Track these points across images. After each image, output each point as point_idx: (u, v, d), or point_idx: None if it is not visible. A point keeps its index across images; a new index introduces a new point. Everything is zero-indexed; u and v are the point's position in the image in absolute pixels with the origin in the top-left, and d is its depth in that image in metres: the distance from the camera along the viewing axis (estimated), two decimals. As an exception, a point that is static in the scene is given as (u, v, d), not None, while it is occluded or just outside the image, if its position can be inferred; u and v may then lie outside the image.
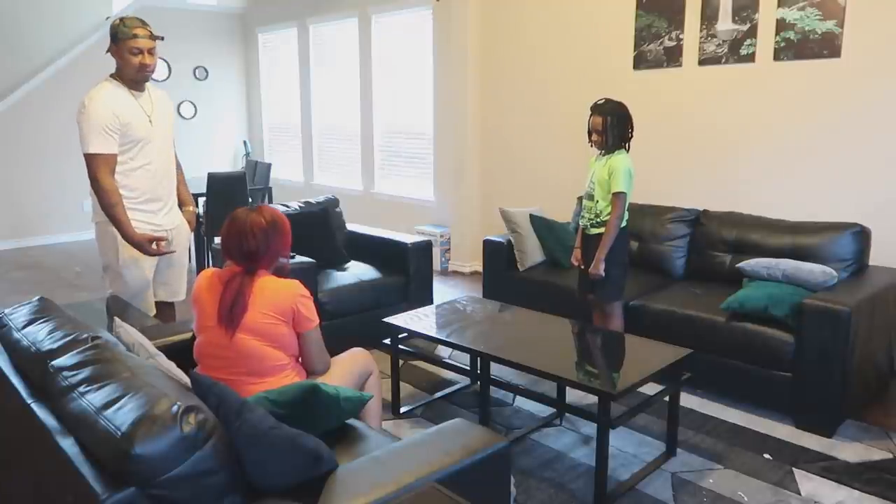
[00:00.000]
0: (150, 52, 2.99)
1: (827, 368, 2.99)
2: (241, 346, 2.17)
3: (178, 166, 3.35)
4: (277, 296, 2.20)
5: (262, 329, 2.18)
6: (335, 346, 2.55)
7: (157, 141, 3.09)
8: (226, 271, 2.26)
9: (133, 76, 2.99)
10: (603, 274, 3.34)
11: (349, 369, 2.46)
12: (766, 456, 2.87)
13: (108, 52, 3.03)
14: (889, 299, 3.34)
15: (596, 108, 3.32)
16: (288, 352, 2.25)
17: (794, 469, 2.76)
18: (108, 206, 2.93)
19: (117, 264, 3.10)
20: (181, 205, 3.35)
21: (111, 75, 3.05)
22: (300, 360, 2.36)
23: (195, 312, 2.29)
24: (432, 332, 3.12)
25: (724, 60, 4.27)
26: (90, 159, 2.91)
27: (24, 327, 2.03)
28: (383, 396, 3.34)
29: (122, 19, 2.98)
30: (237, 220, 2.26)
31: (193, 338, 2.34)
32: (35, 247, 7.45)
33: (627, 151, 3.34)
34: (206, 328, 2.23)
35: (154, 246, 3.04)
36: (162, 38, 3.08)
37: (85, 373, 1.64)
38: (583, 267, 3.51)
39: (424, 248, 4.39)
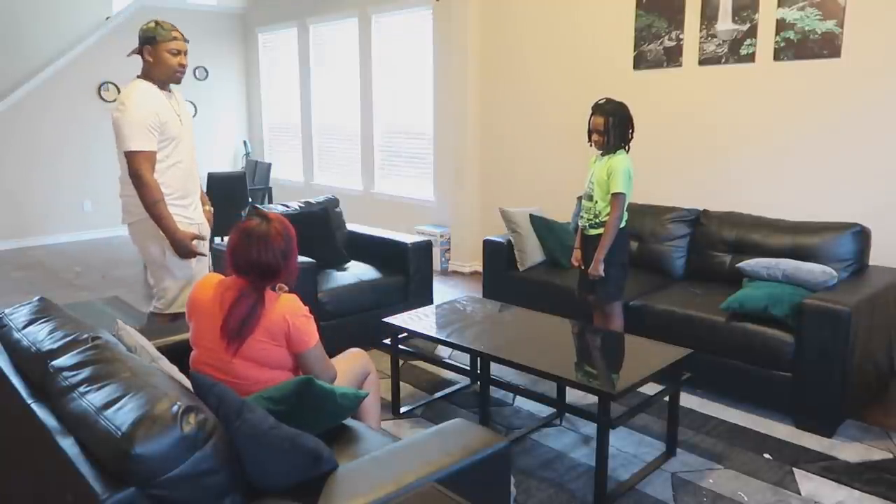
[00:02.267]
0: (185, 53, 3.07)
1: (827, 368, 2.99)
2: (240, 372, 2.09)
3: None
4: (268, 318, 2.07)
5: (258, 355, 2.08)
6: (335, 346, 2.55)
7: (186, 139, 3.16)
8: (231, 283, 2.13)
9: (169, 76, 3.05)
10: (602, 274, 3.34)
11: (346, 369, 2.44)
12: (766, 456, 2.87)
13: (133, 54, 3.07)
14: (889, 299, 3.34)
15: (597, 108, 3.32)
16: (288, 368, 2.16)
17: (794, 469, 2.76)
18: (152, 203, 2.96)
19: (164, 258, 3.11)
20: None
21: (139, 76, 3.08)
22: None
23: (192, 323, 2.19)
24: (432, 332, 3.12)
25: (724, 60, 4.27)
26: (132, 156, 2.94)
27: (25, 327, 2.03)
28: (383, 396, 3.35)
29: (157, 22, 3.03)
30: (254, 231, 2.11)
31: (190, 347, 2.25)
32: (35, 247, 7.45)
33: (627, 152, 3.34)
34: (204, 346, 2.14)
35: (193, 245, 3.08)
36: (188, 41, 3.17)
37: (85, 373, 1.65)
38: (582, 267, 3.51)
39: (424, 248, 4.39)
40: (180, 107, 3.17)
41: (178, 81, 3.11)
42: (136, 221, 3.10)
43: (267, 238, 2.11)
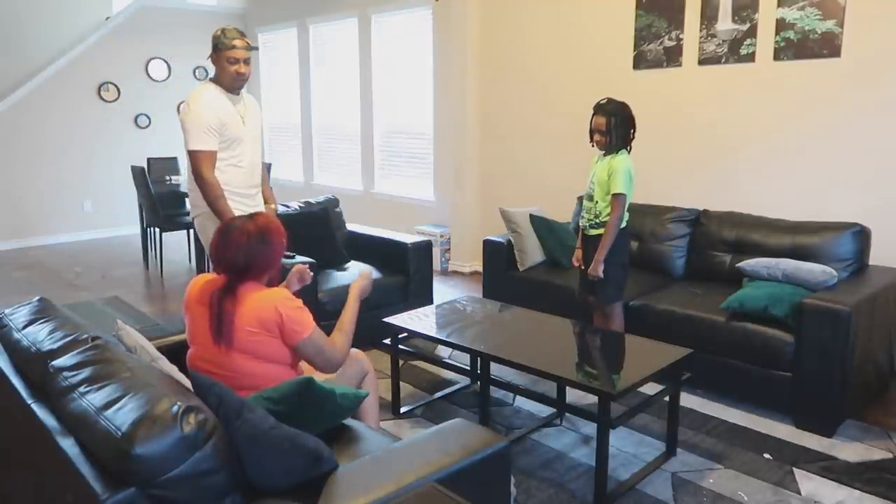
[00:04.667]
0: (246, 61, 3.23)
1: (827, 368, 2.99)
2: (236, 365, 2.10)
3: (264, 166, 3.59)
4: (258, 308, 2.08)
5: (252, 347, 2.09)
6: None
7: (248, 140, 3.34)
8: (213, 279, 2.18)
9: (229, 83, 3.24)
10: (602, 275, 3.34)
11: (345, 370, 2.45)
12: (767, 456, 2.87)
13: (208, 58, 3.27)
14: (889, 299, 3.34)
15: (599, 108, 3.31)
16: (285, 363, 2.17)
17: (794, 469, 2.76)
18: (214, 199, 3.16)
19: None
20: (264, 202, 3.54)
21: (210, 79, 3.29)
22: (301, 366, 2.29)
23: (186, 321, 2.22)
24: (432, 332, 3.12)
25: (724, 60, 4.27)
26: (193, 155, 3.16)
27: (25, 327, 2.03)
28: (383, 396, 3.35)
29: (223, 30, 3.21)
30: (226, 228, 2.17)
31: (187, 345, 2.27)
32: (35, 247, 7.45)
33: (629, 152, 3.34)
34: (198, 342, 2.16)
35: None
36: (256, 49, 3.35)
37: (85, 373, 1.65)
38: (583, 268, 3.51)
39: (424, 248, 4.39)
40: (247, 110, 3.35)
41: (240, 87, 3.28)
42: (200, 214, 3.30)
43: (235, 235, 2.13)
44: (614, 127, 3.26)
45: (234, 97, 3.27)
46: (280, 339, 2.11)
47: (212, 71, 3.26)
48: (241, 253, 2.11)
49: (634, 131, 3.34)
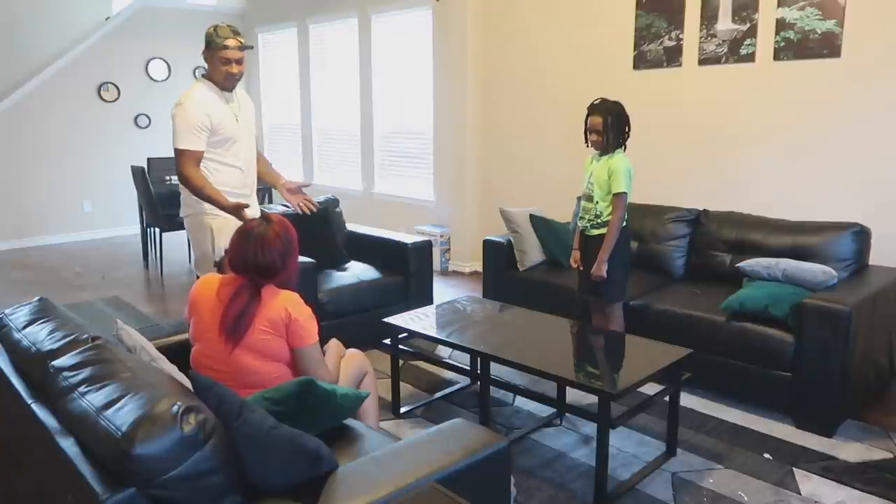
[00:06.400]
0: (239, 61, 3.18)
1: (827, 368, 2.99)
2: (238, 362, 2.12)
3: (263, 157, 3.53)
4: (271, 306, 2.12)
5: (258, 345, 2.11)
6: (335, 346, 2.55)
7: (244, 139, 3.28)
8: (229, 280, 2.19)
9: (221, 81, 3.18)
10: (605, 275, 3.34)
11: (344, 371, 2.45)
12: (766, 456, 2.87)
13: (202, 55, 3.22)
14: (889, 299, 3.34)
15: (594, 108, 3.31)
16: (285, 361, 2.19)
17: (794, 469, 2.76)
18: (199, 189, 3.07)
19: (213, 254, 3.21)
20: (277, 181, 3.46)
21: (202, 76, 3.23)
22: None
23: (192, 320, 2.23)
24: (432, 332, 3.13)
25: (724, 60, 4.27)
26: (179, 153, 3.09)
27: (25, 328, 2.03)
28: (383, 396, 3.35)
29: (216, 28, 3.15)
30: (253, 232, 2.18)
31: (190, 344, 2.28)
32: (35, 247, 7.45)
33: (624, 150, 3.34)
34: (205, 339, 2.17)
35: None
36: (251, 47, 3.26)
37: (85, 373, 1.65)
38: (582, 268, 3.51)
39: (424, 248, 4.39)
40: (241, 107, 3.28)
41: (232, 86, 3.22)
42: (190, 215, 3.25)
43: (265, 239, 2.16)
44: (610, 126, 3.26)
45: (227, 95, 3.21)
46: (285, 338, 2.14)
47: None
48: (275, 257, 2.16)
49: (629, 129, 3.34)
